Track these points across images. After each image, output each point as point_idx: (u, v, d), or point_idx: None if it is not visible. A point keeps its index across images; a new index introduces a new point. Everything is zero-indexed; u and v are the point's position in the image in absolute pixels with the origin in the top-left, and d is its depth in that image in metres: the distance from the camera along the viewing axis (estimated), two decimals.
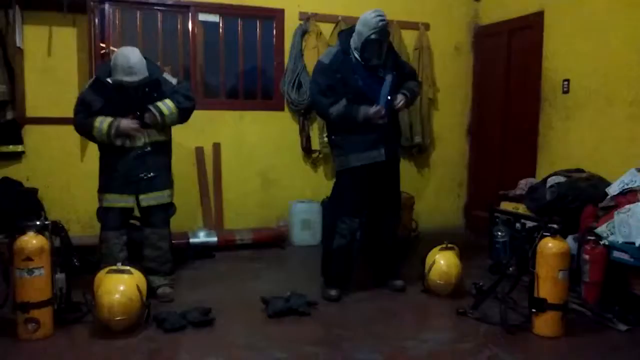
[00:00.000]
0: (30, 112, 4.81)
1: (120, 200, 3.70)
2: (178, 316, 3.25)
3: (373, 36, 3.62)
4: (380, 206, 3.92)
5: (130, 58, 3.54)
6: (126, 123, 3.57)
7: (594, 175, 4.14)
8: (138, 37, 5.14)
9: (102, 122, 3.57)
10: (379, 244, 4.02)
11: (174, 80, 3.84)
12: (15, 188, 4.66)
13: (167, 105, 3.67)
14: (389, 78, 3.71)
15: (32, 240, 3.00)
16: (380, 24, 3.62)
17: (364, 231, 4.14)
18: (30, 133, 4.82)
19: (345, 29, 3.87)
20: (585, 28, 4.63)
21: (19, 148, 4.77)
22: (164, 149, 3.86)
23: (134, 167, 3.66)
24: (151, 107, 3.62)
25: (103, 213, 3.76)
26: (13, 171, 4.77)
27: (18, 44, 4.62)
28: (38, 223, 3.11)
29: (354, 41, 3.73)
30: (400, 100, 3.76)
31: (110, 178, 3.71)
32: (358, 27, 3.70)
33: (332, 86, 3.69)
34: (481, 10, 6.01)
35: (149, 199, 3.73)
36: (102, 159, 3.80)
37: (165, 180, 3.82)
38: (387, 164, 3.82)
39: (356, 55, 3.72)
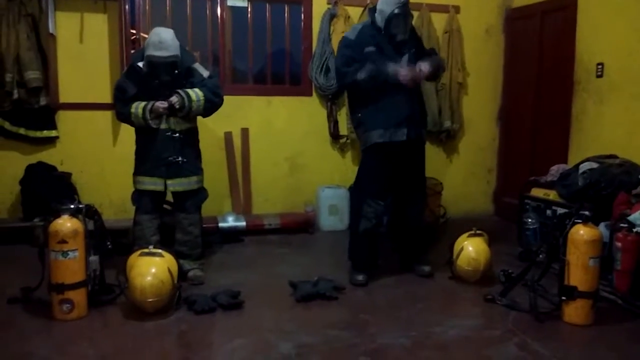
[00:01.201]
0: (63, 98, 4.90)
1: (151, 183, 3.75)
2: (208, 299, 3.31)
3: (397, 10, 3.64)
4: (405, 190, 3.91)
5: (161, 34, 3.60)
6: (157, 103, 3.63)
7: (628, 162, 4.04)
8: (168, 23, 5.17)
9: (137, 107, 3.64)
10: (404, 229, 4.01)
11: (205, 73, 3.85)
12: (50, 172, 4.77)
13: (195, 93, 3.70)
14: (405, 58, 3.72)
15: (66, 223, 3.07)
16: None
17: (390, 216, 4.15)
18: (64, 118, 4.92)
19: (374, 6, 3.87)
20: (620, 10, 4.49)
21: (53, 133, 4.88)
22: (192, 136, 3.90)
23: (163, 149, 3.71)
24: (180, 91, 3.65)
25: (137, 196, 3.83)
26: (47, 156, 4.89)
27: (51, 31, 4.70)
28: (72, 206, 3.19)
29: (378, 20, 3.74)
30: (424, 66, 3.68)
31: (142, 161, 3.78)
32: (380, 6, 3.73)
33: (357, 59, 3.68)
34: None
35: (175, 184, 3.77)
36: (136, 142, 3.87)
37: (193, 166, 3.85)
38: (412, 147, 3.80)
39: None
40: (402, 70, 3.63)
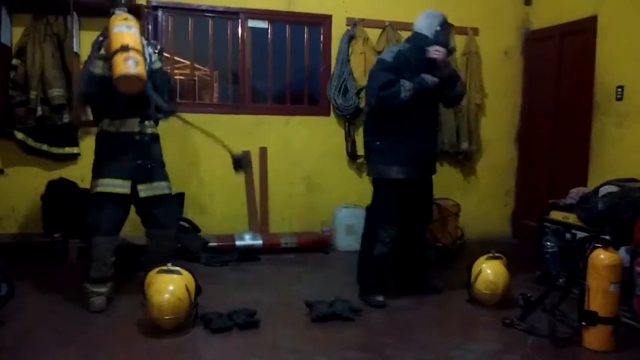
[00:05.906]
0: (85, 115, 4.96)
1: None
2: (224, 317, 3.31)
3: (446, 17, 3.85)
4: (412, 214, 3.92)
5: None
6: None
7: None
8: (189, 42, 5.27)
9: None
10: (409, 249, 4.00)
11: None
12: (71, 188, 4.82)
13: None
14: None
15: None
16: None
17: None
18: (85, 135, 4.98)
19: (414, 32, 3.90)
20: None
21: (75, 150, 4.95)
22: None
23: None
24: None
25: None
26: (69, 172, 4.95)
27: (75, 49, 4.78)
28: None
29: (427, 34, 3.78)
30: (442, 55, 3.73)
31: None
32: (427, 20, 3.82)
33: (395, 82, 3.64)
34: (532, 14, 5.90)
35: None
36: None
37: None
38: (425, 179, 3.91)
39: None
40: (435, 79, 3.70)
